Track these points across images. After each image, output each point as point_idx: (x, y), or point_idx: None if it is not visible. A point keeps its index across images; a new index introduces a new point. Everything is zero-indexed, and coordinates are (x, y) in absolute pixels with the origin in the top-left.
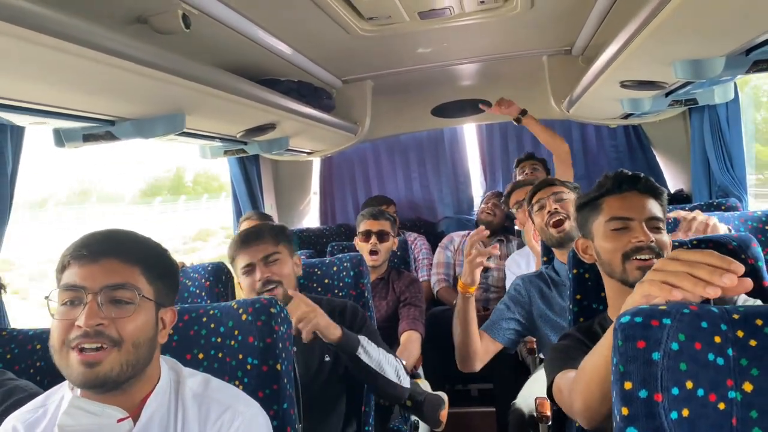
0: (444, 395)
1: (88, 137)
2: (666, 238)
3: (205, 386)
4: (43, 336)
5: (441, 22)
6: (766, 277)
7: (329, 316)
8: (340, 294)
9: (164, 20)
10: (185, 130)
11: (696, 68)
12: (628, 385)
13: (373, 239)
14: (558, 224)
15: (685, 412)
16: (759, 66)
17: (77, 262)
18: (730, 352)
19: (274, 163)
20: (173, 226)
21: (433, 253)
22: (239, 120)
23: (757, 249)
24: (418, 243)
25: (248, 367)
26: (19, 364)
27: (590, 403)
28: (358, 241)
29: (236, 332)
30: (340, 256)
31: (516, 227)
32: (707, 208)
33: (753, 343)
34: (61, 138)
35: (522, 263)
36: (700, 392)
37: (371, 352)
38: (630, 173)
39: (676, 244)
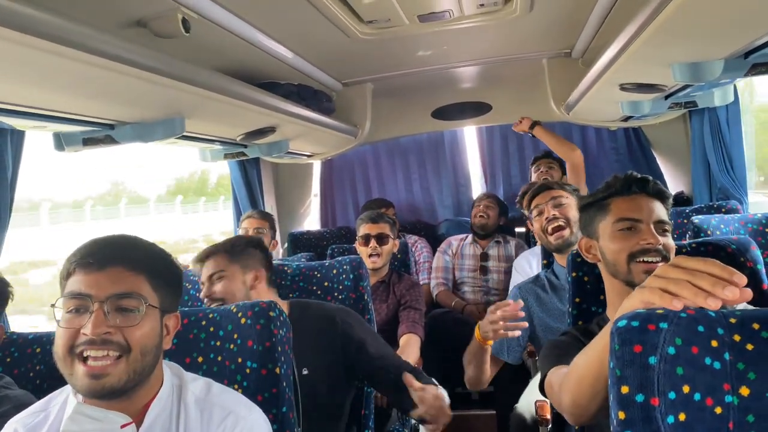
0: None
1: (88, 141)
2: (672, 242)
3: (207, 391)
4: (43, 340)
5: (441, 25)
6: (765, 281)
7: (317, 322)
8: (340, 297)
9: (164, 24)
10: (185, 134)
11: (694, 71)
12: (624, 389)
13: (373, 243)
14: (556, 230)
15: (682, 417)
16: (758, 69)
17: (83, 269)
18: (726, 356)
19: (275, 166)
20: (195, 225)
21: (433, 256)
22: (239, 123)
23: (756, 252)
24: (419, 245)
25: (247, 370)
26: (18, 367)
27: (579, 400)
28: (357, 245)
29: (235, 336)
30: (339, 259)
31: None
32: (708, 210)
33: (750, 347)
34: (61, 142)
35: (534, 263)
36: (697, 396)
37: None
38: (639, 176)
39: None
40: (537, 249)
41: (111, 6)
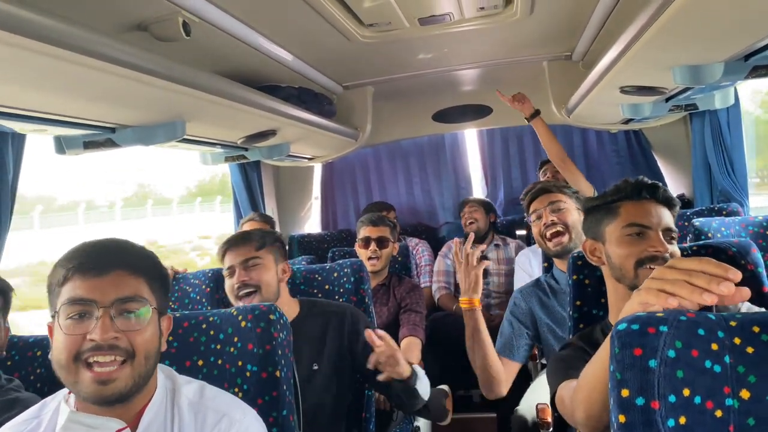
0: (446, 387)
1: (89, 144)
2: (678, 249)
3: (201, 394)
4: (43, 343)
5: (441, 28)
6: (765, 284)
7: (323, 319)
8: (341, 300)
9: (164, 28)
10: (186, 137)
11: (695, 74)
12: (625, 393)
13: (373, 246)
14: (555, 236)
15: (682, 420)
16: (758, 71)
17: (81, 275)
18: (727, 359)
19: (275, 169)
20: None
21: (434, 258)
22: (240, 126)
23: (756, 255)
24: (420, 248)
25: (247, 374)
26: (19, 371)
27: (592, 412)
28: (357, 248)
29: (236, 339)
30: (340, 261)
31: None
32: (708, 212)
33: (750, 350)
34: (62, 145)
35: (534, 262)
36: (697, 399)
37: (423, 380)
38: (650, 182)
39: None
40: (537, 248)
41: (112, 9)
